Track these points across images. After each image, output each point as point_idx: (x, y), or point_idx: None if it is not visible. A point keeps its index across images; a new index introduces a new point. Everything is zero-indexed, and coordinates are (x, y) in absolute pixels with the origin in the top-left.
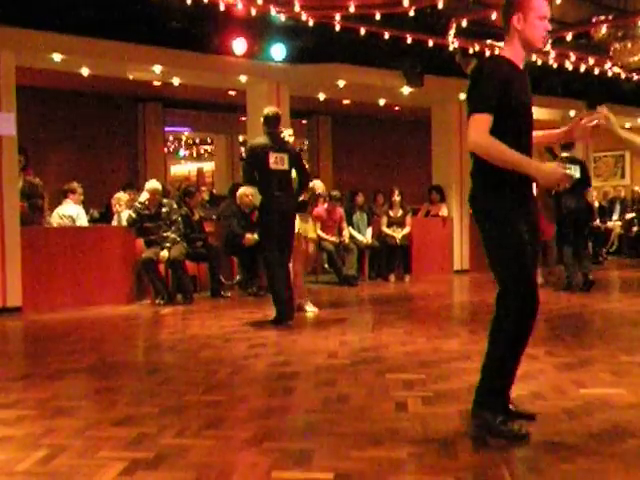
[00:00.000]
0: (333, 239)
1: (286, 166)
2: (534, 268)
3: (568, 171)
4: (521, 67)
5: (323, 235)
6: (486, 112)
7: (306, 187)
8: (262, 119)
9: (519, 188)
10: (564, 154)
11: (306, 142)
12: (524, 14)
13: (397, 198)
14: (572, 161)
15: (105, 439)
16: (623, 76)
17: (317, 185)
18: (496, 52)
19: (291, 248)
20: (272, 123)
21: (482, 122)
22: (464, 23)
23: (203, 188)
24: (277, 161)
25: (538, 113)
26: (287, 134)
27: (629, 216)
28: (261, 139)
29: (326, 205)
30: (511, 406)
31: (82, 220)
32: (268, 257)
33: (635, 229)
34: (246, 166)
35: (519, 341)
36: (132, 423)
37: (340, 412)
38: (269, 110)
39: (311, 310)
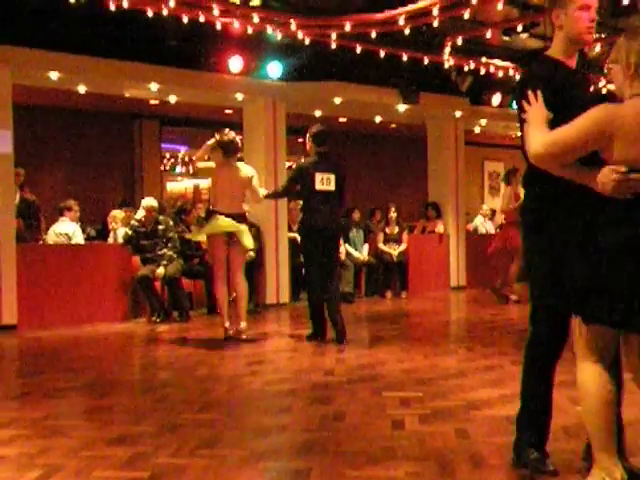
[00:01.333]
0: None
1: (332, 186)
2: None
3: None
4: (572, 64)
5: None
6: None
7: (343, 207)
8: (310, 137)
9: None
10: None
11: (302, 160)
12: (563, 8)
13: (393, 215)
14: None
15: (100, 458)
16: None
17: None
18: (491, 70)
19: (335, 268)
20: (320, 140)
21: (534, 110)
22: (459, 41)
23: (200, 205)
24: (323, 181)
25: None
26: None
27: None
28: (309, 160)
29: None
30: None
31: (78, 238)
32: (308, 277)
33: None
34: (284, 186)
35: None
36: (128, 442)
37: (337, 430)
38: (317, 128)
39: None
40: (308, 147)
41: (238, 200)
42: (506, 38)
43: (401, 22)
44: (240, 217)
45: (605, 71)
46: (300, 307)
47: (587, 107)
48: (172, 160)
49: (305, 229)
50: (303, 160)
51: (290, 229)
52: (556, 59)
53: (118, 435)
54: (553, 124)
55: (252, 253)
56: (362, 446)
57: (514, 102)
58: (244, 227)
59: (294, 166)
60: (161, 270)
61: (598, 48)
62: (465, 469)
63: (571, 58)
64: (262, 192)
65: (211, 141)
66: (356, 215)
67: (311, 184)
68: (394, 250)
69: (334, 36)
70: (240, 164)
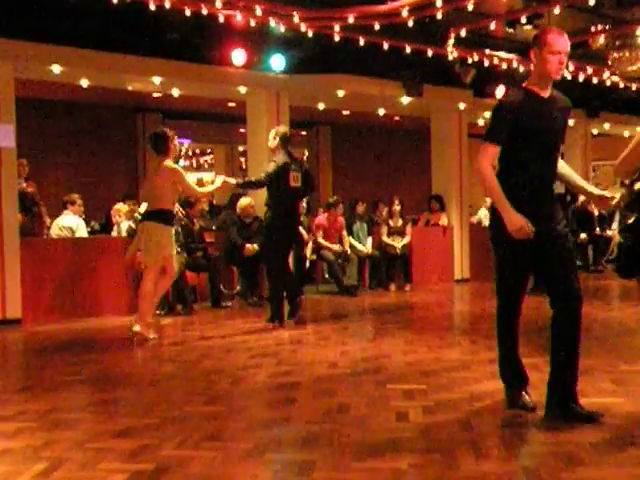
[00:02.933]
0: (336, 247)
1: (299, 183)
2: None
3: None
4: (545, 94)
5: (326, 243)
6: (492, 143)
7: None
8: (279, 138)
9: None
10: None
11: (306, 152)
12: (539, 49)
13: (397, 207)
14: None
15: (105, 451)
16: (621, 85)
17: None
18: (495, 61)
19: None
20: (288, 142)
21: (487, 152)
22: (463, 33)
23: (204, 199)
24: (295, 179)
25: None
26: None
27: (630, 221)
28: (284, 157)
29: (327, 214)
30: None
31: (82, 231)
32: (274, 267)
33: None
34: (263, 180)
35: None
36: (133, 435)
37: (341, 422)
38: (285, 129)
39: (152, 337)
40: (274, 145)
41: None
42: (510, 30)
43: (404, 14)
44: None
45: (609, 63)
46: (303, 299)
47: (544, 134)
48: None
49: (278, 222)
50: (276, 158)
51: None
52: (530, 89)
53: (123, 428)
54: (514, 144)
55: (256, 246)
56: (366, 438)
57: None
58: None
59: (272, 164)
60: None
61: (602, 40)
62: (469, 461)
63: (544, 89)
64: (233, 181)
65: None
66: (360, 208)
67: (287, 181)
68: (398, 243)
69: (337, 28)
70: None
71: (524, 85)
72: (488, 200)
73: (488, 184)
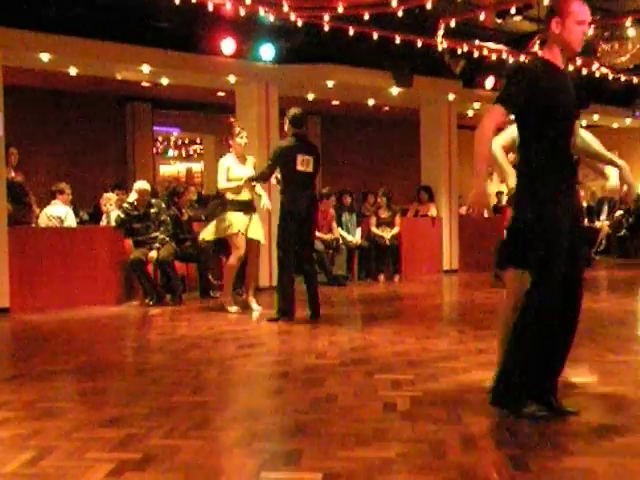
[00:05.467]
0: (329, 237)
1: (311, 168)
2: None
3: None
4: (561, 67)
5: (318, 234)
6: (501, 104)
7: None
8: (288, 120)
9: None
10: None
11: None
12: (562, 18)
13: (381, 199)
14: None
15: (93, 440)
16: (611, 76)
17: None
18: (484, 52)
19: (310, 249)
20: (298, 123)
21: (492, 112)
22: (452, 23)
23: (192, 188)
24: (304, 163)
25: None
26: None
27: (618, 214)
28: (288, 141)
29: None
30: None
31: (71, 221)
32: (283, 258)
33: (624, 230)
34: (267, 168)
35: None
36: (120, 424)
37: (329, 412)
38: (295, 110)
39: (256, 309)
40: (286, 129)
41: None
42: (499, 21)
43: (394, 4)
44: None
45: (598, 54)
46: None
47: (564, 110)
48: (164, 143)
49: (285, 210)
50: (280, 142)
51: None
52: (548, 60)
53: (111, 417)
54: (533, 121)
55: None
56: (354, 428)
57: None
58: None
59: (273, 149)
60: (154, 253)
61: (591, 31)
62: (456, 451)
63: (561, 63)
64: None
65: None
66: (348, 199)
67: (292, 165)
68: (387, 233)
69: (327, 18)
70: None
71: (540, 55)
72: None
73: (478, 144)
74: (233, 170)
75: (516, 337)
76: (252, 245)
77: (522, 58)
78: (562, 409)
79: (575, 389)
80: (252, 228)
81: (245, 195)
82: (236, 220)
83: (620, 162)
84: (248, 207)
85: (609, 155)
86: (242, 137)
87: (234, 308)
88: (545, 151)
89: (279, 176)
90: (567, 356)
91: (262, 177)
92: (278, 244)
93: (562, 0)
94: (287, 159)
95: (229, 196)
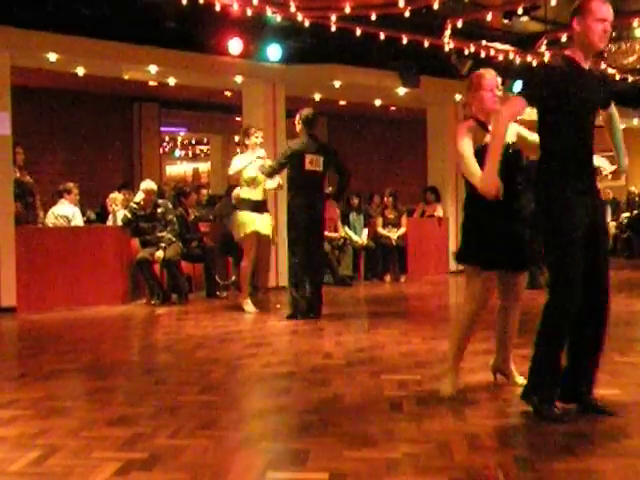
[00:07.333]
0: (335, 235)
1: (320, 167)
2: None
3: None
4: (586, 65)
5: (326, 233)
6: (521, 96)
7: (345, 185)
8: (301, 120)
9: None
10: None
11: (290, 142)
12: (583, 16)
13: (387, 199)
14: None
15: (99, 439)
16: (618, 77)
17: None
18: (491, 53)
19: (319, 248)
20: (311, 124)
21: (511, 102)
22: (459, 24)
23: (204, 191)
24: (313, 163)
25: (531, 113)
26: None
27: (624, 216)
28: (299, 141)
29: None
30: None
31: (77, 220)
32: (294, 259)
33: (628, 232)
34: (277, 165)
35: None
36: (127, 423)
37: (335, 412)
38: (308, 111)
39: (249, 311)
40: (298, 129)
41: None
42: (506, 21)
43: (401, 4)
44: None
45: (605, 55)
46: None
47: (588, 107)
48: (171, 143)
49: (293, 209)
50: (291, 142)
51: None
52: (572, 58)
53: (117, 416)
54: (554, 118)
55: None
56: (360, 428)
57: (514, 86)
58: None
59: (283, 149)
60: (160, 253)
61: None
62: (462, 451)
63: (586, 60)
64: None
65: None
66: (355, 199)
67: (301, 165)
68: (393, 234)
69: (334, 18)
70: None
71: (565, 53)
72: None
73: (496, 133)
74: (248, 170)
75: (541, 338)
76: (262, 242)
77: (529, 59)
78: (599, 407)
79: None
80: (263, 225)
81: (258, 194)
82: (249, 220)
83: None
84: (261, 207)
85: (622, 151)
86: (258, 137)
87: (252, 308)
88: (565, 149)
89: (282, 182)
90: (599, 357)
91: (270, 173)
92: (289, 243)
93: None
94: (297, 160)
95: (243, 195)
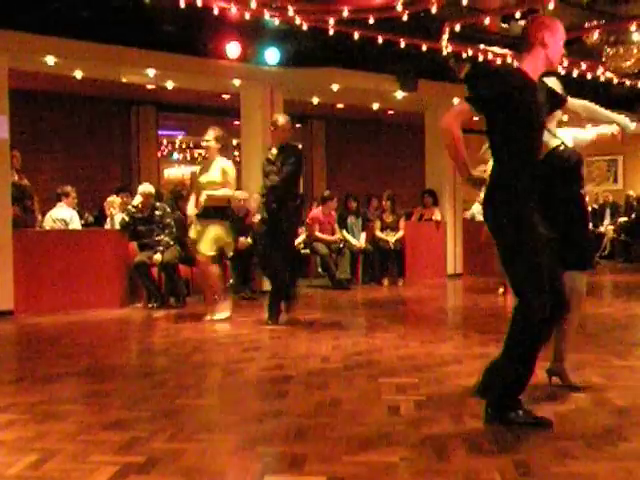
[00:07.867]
0: (334, 238)
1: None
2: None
3: None
4: (536, 78)
5: (323, 236)
6: (467, 101)
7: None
8: (287, 126)
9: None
10: None
11: (300, 146)
12: (553, 34)
13: (385, 202)
14: None
15: (97, 443)
16: (615, 81)
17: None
18: (489, 56)
19: (287, 247)
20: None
21: (456, 107)
22: (457, 28)
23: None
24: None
25: None
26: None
27: (621, 220)
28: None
29: (321, 208)
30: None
31: (75, 223)
32: (278, 261)
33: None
34: (297, 171)
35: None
36: (124, 427)
37: (333, 416)
38: (287, 119)
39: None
40: (284, 137)
41: None
42: (504, 25)
43: (399, 8)
44: None
45: (603, 59)
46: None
47: (537, 121)
48: (169, 146)
49: (290, 218)
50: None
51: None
52: (525, 72)
53: (114, 420)
54: (499, 127)
55: (249, 240)
56: (358, 432)
57: None
58: None
59: (296, 153)
60: (158, 256)
61: (596, 36)
62: (460, 454)
63: (537, 75)
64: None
65: None
66: (353, 203)
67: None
68: (391, 237)
69: (332, 22)
70: None
71: (518, 67)
72: (482, 195)
73: (443, 139)
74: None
75: (510, 350)
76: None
77: None
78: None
79: (579, 393)
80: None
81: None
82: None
83: (621, 120)
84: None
85: (613, 116)
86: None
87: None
88: (514, 160)
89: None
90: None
91: (290, 181)
92: (268, 247)
93: (547, 18)
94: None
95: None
